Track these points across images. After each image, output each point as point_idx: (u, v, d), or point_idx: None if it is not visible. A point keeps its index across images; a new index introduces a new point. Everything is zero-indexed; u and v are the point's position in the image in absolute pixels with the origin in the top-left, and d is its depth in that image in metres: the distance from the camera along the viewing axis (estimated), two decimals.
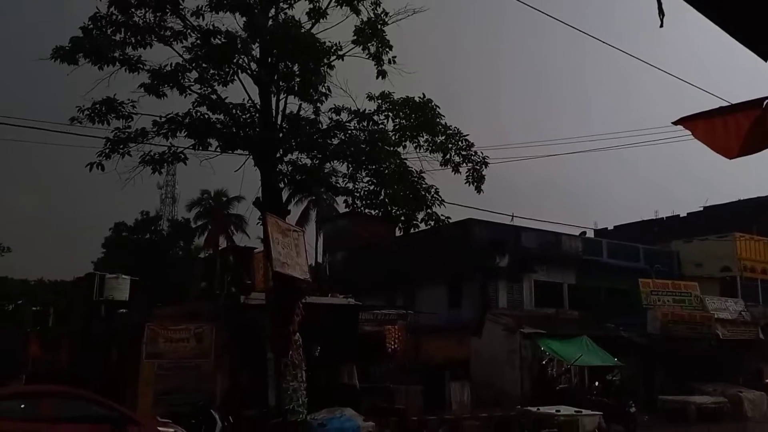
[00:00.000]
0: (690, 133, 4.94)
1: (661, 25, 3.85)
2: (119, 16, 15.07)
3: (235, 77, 15.82)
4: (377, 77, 16.18)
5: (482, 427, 20.19)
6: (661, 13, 3.83)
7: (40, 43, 18.39)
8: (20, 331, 31.82)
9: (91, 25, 14.90)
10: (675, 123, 5.02)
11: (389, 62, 16.24)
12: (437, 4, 17.04)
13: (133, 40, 15.29)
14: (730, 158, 4.92)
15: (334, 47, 16.09)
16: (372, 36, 16.10)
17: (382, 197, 16.57)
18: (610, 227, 46.63)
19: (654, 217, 46.93)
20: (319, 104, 16.07)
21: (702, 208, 44.12)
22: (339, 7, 16.19)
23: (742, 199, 42.83)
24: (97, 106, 14.93)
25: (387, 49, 16.24)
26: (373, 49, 16.23)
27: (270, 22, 15.70)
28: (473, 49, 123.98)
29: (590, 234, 38.68)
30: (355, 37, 16.15)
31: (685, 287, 30.10)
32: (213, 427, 14.11)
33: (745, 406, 25.60)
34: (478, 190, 16.30)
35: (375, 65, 16.19)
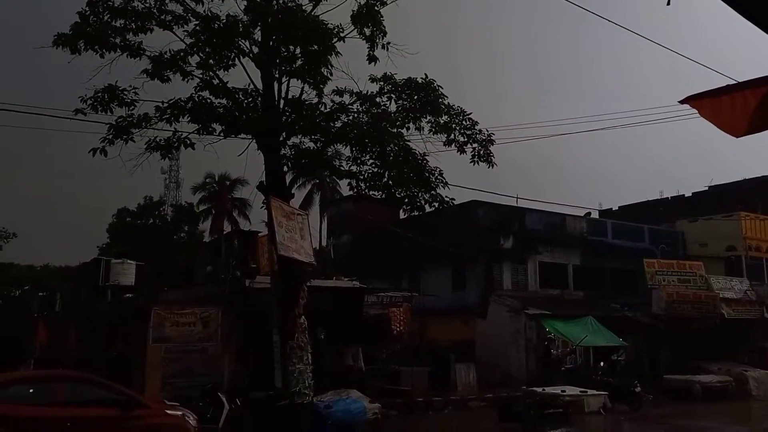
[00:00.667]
0: (696, 112, 4.90)
1: (668, 3, 3.80)
2: (118, 2, 14.96)
3: (237, 61, 15.74)
4: (369, 62, 16.07)
5: (487, 407, 20.32)
6: None
7: (41, 30, 18.35)
8: (27, 316, 32.01)
9: (89, 11, 14.81)
10: (681, 102, 4.97)
11: (383, 47, 16.14)
12: None
13: (134, 26, 15.21)
14: (737, 137, 4.87)
15: (336, 29, 16.01)
16: (367, 18, 15.96)
17: (385, 179, 16.55)
18: (615, 208, 46.53)
19: (659, 197, 46.79)
20: (321, 86, 15.98)
21: (707, 188, 43.95)
22: None
23: (747, 178, 42.63)
24: (100, 94, 14.88)
25: (381, 35, 16.11)
26: (368, 32, 16.12)
27: (274, 6, 15.57)
28: (473, 29, 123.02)
29: (595, 215, 38.65)
30: (352, 23, 16.04)
31: (690, 267, 30.14)
32: (220, 409, 14.20)
33: (749, 385, 25.69)
34: (490, 165, 16.26)
35: (368, 48, 16.08)
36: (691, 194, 45.13)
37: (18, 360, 22.96)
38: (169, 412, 10.96)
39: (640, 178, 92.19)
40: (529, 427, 16.31)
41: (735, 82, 5.04)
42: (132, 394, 10.92)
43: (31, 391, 10.23)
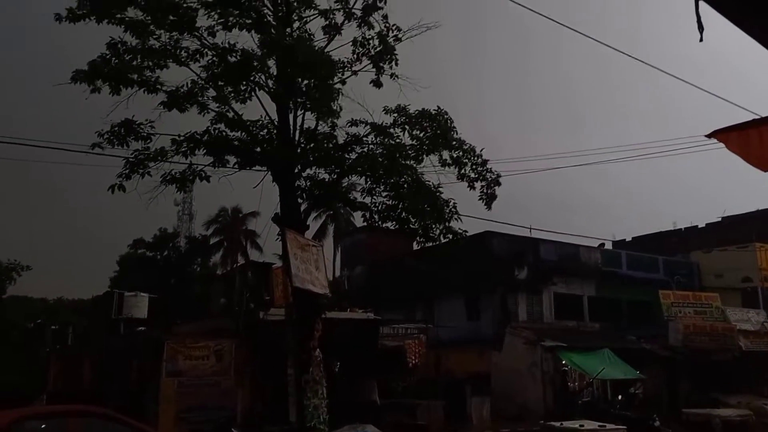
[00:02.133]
0: (723, 145, 4.87)
1: (701, 40, 3.79)
2: (135, 42, 15.14)
3: (253, 94, 15.88)
4: (373, 84, 16.25)
5: None
6: (701, 27, 3.76)
7: (64, 67, 18.60)
8: (40, 350, 31.95)
9: (109, 54, 14.99)
10: (708, 136, 4.97)
11: (391, 77, 16.31)
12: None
13: (150, 63, 15.37)
14: (766, 171, 4.82)
15: (348, 62, 16.20)
16: (381, 52, 16.17)
17: (399, 211, 16.60)
18: (629, 239, 46.24)
19: (672, 228, 46.46)
20: (333, 119, 16.12)
21: (720, 219, 43.67)
22: (348, 21, 16.26)
23: (760, 209, 42.31)
24: (116, 128, 15.02)
25: (393, 63, 16.26)
26: (376, 56, 16.27)
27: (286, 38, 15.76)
28: (461, 61, 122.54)
29: (608, 245, 38.42)
30: (354, 48, 16.23)
31: (705, 298, 29.79)
32: None
33: None
34: (489, 207, 16.46)
35: (375, 73, 16.25)
36: (704, 225, 44.82)
37: (31, 395, 22.87)
38: None
39: (643, 211, 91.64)
40: None
41: (760, 117, 5.00)
42: (146, 429, 10.80)
43: (43, 426, 10.13)
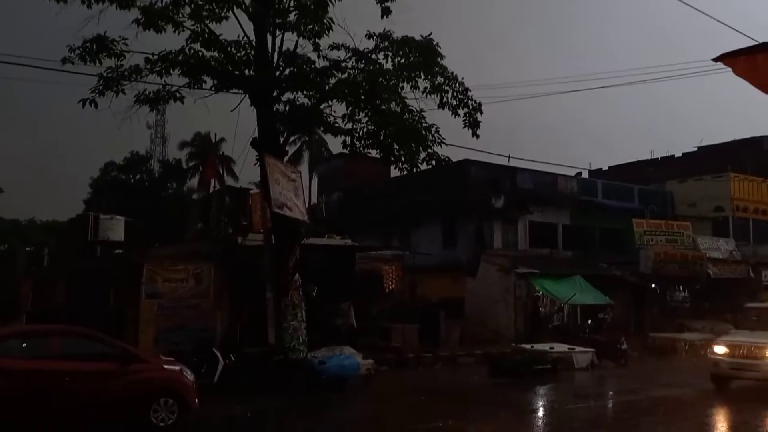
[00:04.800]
0: (731, 69, 4.86)
1: None
2: None
3: (230, 13, 15.40)
4: (382, 17, 15.68)
5: (477, 363, 20.57)
6: None
7: None
8: (15, 271, 31.75)
9: None
10: (715, 60, 4.97)
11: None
12: None
13: None
14: None
15: None
16: None
17: (382, 137, 16.47)
18: (605, 168, 46.62)
19: (649, 158, 46.87)
20: (318, 39, 15.74)
21: (696, 149, 44.09)
22: None
23: (736, 139, 42.75)
24: (88, 44, 14.54)
25: None
26: None
27: None
28: None
29: (585, 174, 38.73)
30: None
31: (678, 227, 30.42)
32: (215, 364, 14.27)
33: None
34: (474, 134, 16.33)
35: (378, 2, 15.72)
36: (681, 155, 45.24)
37: (9, 315, 22.90)
38: (166, 366, 10.97)
39: (627, 139, 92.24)
40: (518, 382, 16.55)
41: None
42: (129, 348, 10.92)
43: (28, 345, 10.20)
